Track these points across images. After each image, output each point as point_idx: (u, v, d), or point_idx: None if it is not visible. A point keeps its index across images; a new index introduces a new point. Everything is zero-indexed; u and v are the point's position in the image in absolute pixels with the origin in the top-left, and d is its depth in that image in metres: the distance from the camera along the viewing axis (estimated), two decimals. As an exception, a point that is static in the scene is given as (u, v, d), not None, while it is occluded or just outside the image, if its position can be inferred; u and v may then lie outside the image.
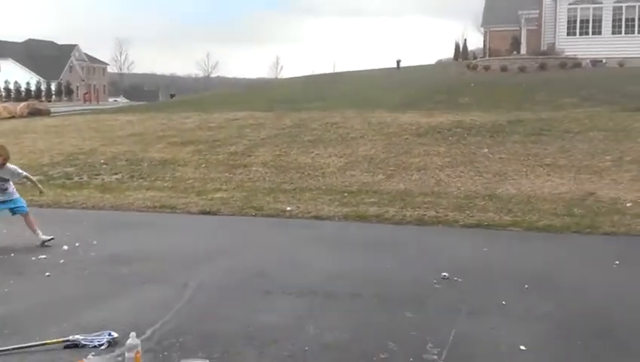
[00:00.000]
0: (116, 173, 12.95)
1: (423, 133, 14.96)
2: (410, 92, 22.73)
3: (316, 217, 9.03)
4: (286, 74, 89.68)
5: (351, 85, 26.95)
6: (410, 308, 5.06)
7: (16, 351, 4.19)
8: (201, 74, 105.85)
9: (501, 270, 6.31)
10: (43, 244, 7.35)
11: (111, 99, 79.79)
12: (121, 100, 75.68)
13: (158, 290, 5.64)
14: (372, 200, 10.04)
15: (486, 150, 13.31)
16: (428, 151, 13.41)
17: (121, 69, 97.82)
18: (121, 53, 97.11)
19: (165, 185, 11.80)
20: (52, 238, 7.44)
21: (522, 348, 4.28)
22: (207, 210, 9.54)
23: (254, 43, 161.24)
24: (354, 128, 15.84)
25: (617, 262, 6.53)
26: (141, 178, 12.48)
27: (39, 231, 7.48)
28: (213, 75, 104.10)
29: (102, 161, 14.03)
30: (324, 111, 18.61)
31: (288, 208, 9.47)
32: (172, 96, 47.82)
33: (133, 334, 3.88)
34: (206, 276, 6.03)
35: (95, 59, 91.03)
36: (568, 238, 7.83)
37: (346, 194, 10.55)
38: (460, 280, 5.87)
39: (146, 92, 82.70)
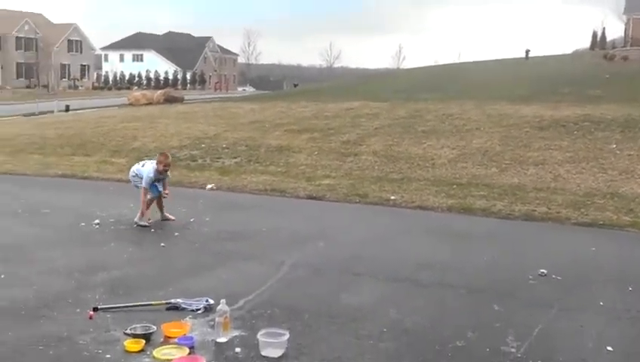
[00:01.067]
0: (235, 157, 13.64)
1: (546, 127, 14.33)
2: (537, 83, 21.77)
3: (420, 207, 9.02)
4: (408, 64, 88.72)
5: (474, 76, 26.27)
6: (499, 301, 4.98)
7: (125, 308, 4.67)
8: (324, 64, 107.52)
9: (606, 270, 6.00)
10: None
11: (240, 89, 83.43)
12: (249, 89, 78.86)
13: (257, 266, 5.99)
14: (481, 193, 9.83)
15: (614, 146, 12.52)
16: (549, 145, 12.84)
17: (249, 60, 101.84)
18: (249, 44, 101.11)
19: (279, 170, 12.28)
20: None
21: (609, 348, 4.09)
22: (314, 195, 9.84)
23: (378, 33, 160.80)
24: (471, 120, 15.49)
25: None
26: (257, 162, 13.06)
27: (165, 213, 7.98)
28: (336, 66, 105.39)
29: (224, 146, 14.82)
30: (441, 103, 18.35)
31: (392, 197, 9.53)
32: (295, 85, 49.13)
33: (223, 301, 4.19)
34: (302, 256, 6.29)
35: (226, 50, 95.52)
36: (693, 243, 7.24)
37: (454, 186, 10.41)
38: (558, 278, 5.66)
39: (272, 82, 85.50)
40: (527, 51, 34.09)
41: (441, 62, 49.54)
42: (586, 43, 35.61)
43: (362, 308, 4.79)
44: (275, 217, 8.51)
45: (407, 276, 5.68)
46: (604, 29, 35.10)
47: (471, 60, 40.51)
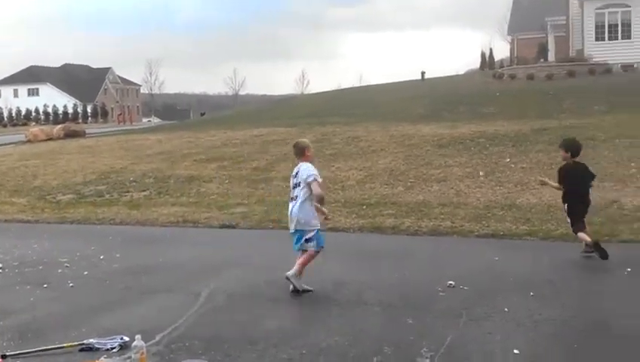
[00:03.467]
0: (144, 190, 13.36)
1: (445, 145, 15.03)
2: (433, 103, 22.81)
3: (332, 229, 9.16)
4: (312, 89, 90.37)
5: (376, 99, 27.15)
6: (412, 314, 5.21)
7: (36, 353, 4.49)
8: (230, 92, 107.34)
9: (509, 278, 6.39)
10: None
11: (145, 120, 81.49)
12: (155, 120, 77.25)
13: (172, 299, 5.93)
14: (390, 211, 10.18)
15: (508, 160, 13.32)
16: (449, 162, 13.48)
17: (151, 90, 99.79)
18: (151, 73, 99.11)
19: (190, 200, 12.15)
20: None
21: (516, 352, 4.38)
22: (227, 223, 9.83)
23: (282, 59, 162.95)
24: (375, 141, 16.00)
25: (629, 270, 6.55)
26: (167, 194, 12.85)
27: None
28: (242, 93, 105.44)
29: (131, 179, 14.48)
30: (347, 126, 18.84)
31: (307, 221, 9.67)
32: (202, 114, 48.78)
33: (138, 337, 4.14)
34: (219, 285, 6.28)
35: (128, 80, 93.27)
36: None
37: (364, 206, 10.71)
38: (465, 288, 5.99)
39: (178, 111, 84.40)
40: (423, 73, 35.73)
41: (344, 86, 50.82)
42: (476, 63, 37.69)
43: (281, 332, 4.86)
44: (189, 248, 8.42)
45: (322, 296, 5.81)
46: (491, 49, 37.22)
47: (372, 83, 41.87)
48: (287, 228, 9.26)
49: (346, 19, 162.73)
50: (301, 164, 6.17)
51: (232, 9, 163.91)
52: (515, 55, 37.89)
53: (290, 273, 5.91)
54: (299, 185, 6.04)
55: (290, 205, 6.13)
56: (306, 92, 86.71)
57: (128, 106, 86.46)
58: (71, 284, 6.51)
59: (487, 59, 35.70)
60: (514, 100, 21.85)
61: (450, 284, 6.05)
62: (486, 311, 5.35)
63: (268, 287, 6.18)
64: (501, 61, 38.30)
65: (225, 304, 5.71)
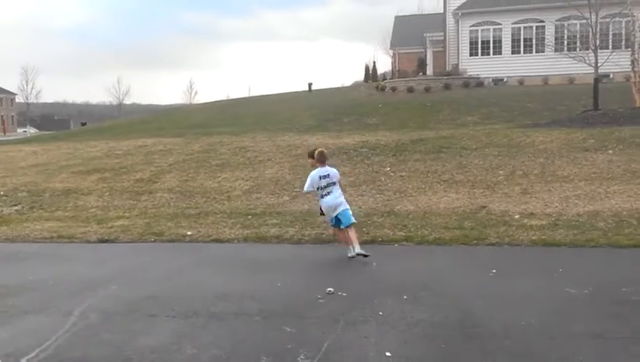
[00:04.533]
0: (16, 205, 12.56)
1: (330, 154, 15.28)
2: (319, 114, 23.27)
3: (216, 240, 9.14)
4: (201, 99, 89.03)
5: (264, 109, 27.26)
6: (291, 323, 5.28)
7: None
8: (114, 101, 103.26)
9: (385, 283, 6.65)
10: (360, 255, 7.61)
11: (20, 130, 76.46)
12: (30, 130, 72.66)
13: (41, 319, 5.61)
14: (274, 221, 10.25)
15: (388, 169, 13.84)
16: (333, 171, 13.78)
17: (27, 99, 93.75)
18: (27, 82, 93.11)
19: (66, 214, 11.57)
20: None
21: (387, 354, 4.58)
22: (106, 238, 9.46)
23: (168, 69, 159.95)
24: (262, 151, 16.07)
25: (494, 271, 7.01)
26: (42, 209, 12.16)
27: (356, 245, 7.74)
28: (127, 102, 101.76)
29: (1, 193, 13.56)
30: (234, 136, 18.77)
31: (189, 233, 9.53)
32: (83, 124, 46.53)
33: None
34: (93, 303, 6.03)
35: (2, 89, 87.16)
36: (455, 250, 8.30)
37: (249, 216, 10.71)
38: (344, 294, 6.15)
39: (57, 121, 80.00)
40: (310, 84, 36.39)
41: (232, 97, 50.54)
42: (361, 76, 38.93)
43: (158, 349, 4.75)
44: (63, 265, 8.00)
45: (203, 310, 5.74)
46: (374, 62, 38.71)
47: (260, 94, 41.99)
48: (169, 241, 9.20)
49: (236, 30, 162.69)
50: (327, 167, 8.10)
51: (118, 15, 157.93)
52: (397, 68, 39.55)
53: (357, 249, 7.64)
54: (333, 183, 8.02)
55: (329, 198, 7.97)
56: (194, 102, 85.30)
57: (1, 116, 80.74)
58: None
59: (370, 72, 36.97)
60: (395, 111, 22.79)
61: (330, 291, 6.20)
62: (363, 315, 5.53)
63: (147, 303, 6.02)
64: (384, 74, 39.82)
65: (99, 322, 5.49)
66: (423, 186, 12.39)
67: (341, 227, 7.95)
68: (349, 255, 7.78)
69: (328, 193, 7.96)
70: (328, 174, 8.01)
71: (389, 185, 12.55)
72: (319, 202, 8.14)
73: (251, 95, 52.41)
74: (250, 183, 13.14)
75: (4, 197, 13.21)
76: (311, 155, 8.45)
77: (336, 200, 7.99)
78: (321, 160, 8.06)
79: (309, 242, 8.91)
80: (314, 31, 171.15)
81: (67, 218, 11.27)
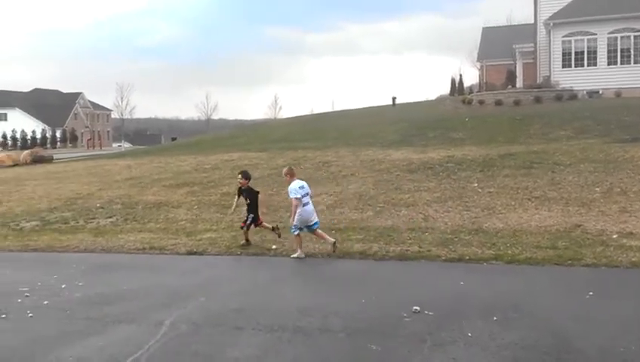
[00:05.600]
0: (111, 217, 13.16)
1: (414, 170, 15.16)
2: (404, 128, 23.05)
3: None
4: (285, 114, 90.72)
5: (348, 124, 27.33)
6: (376, 340, 5.19)
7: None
8: (202, 117, 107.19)
9: (474, 302, 6.42)
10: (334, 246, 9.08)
11: (115, 145, 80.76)
12: (125, 145, 76.53)
13: (134, 329, 5.81)
14: (358, 236, 10.19)
15: (476, 184, 13.47)
16: (418, 186, 13.58)
17: (122, 115, 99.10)
18: (122, 98, 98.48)
19: (158, 226, 12.00)
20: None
21: (478, 376, 4.39)
22: (195, 250, 9.72)
23: (254, 85, 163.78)
24: (345, 166, 16.08)
25: (591, 293, 6.63)
26: (135, 220, 12.68)
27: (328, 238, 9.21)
28: (214, 118, 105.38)
29: (98, 205, 14.27)
30: (318, 150, 18.91)
31: (274, 247, 9.64)
32: (173, 139, 48.51)
33: (95, 370, 4.04)
34: (183, 313, 6.19)
35: (99, 105, 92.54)
36: (548, 270, 7.93)
37: (333, 231, 10.68)
38: (430, 313, 5.99)
39: (149, 136, 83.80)
40: (394, 98, 36.12)
41: (316, 111, 51.10)
42: (446, 89, 38.32)
43: (244, 360, 4.78)
44: (154, 276, 8.29)
45: (289, 324, 5.75)
46: (461, 75, 37.84)
47: (344, 109, 42.20)
48: (254, 255, 9.34)
49: (320, 44, 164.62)
50: (300, 181, 9.36)
51: (206, 33, 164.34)
52: (485, 81, 38.61)
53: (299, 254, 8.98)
54: (308, 195, 9.25)
55: (309, 207, 9.22)
56: (278, 117, 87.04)
57: (98, 131, 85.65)
58: (30, 314, 6.35)
59: (457, 85, 36.28)
60: (482, 125, 22.21)
61: (416, 309, 6.05)
62: (450, 335, 5.36)
63: (234, 316, 6.11)
64: (470, 87, 38.96)
65: (188, 333, 5.61)
66: (513, 203, 11.96)
67: (313, 229, 9.20)
68: (298, 256, 8.93)
69: (307, 203, 9.16)
70: (304, 186, 9.22)
71: (477, 201, 12.19)
72: (299, 210, 9.01)
73: (335, 109, 52.81)
74: (333, 198, 13.16)
75: (101, 209, 13.88)
76: (244, 176, 10.12)
77: (313, 210, 9.31)
78: (292, 173, 9.42)
79: (393, 258, 8.77)
80: (398, 44, 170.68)
81: (158, 230, 11.69)
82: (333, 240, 9.20)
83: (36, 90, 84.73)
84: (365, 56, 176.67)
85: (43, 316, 6.34)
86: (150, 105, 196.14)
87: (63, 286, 7.59)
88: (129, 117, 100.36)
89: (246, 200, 10.04)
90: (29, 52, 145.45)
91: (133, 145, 73.63)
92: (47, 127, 74.66)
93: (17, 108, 77.60)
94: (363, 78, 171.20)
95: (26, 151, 30.98)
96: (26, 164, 27.10)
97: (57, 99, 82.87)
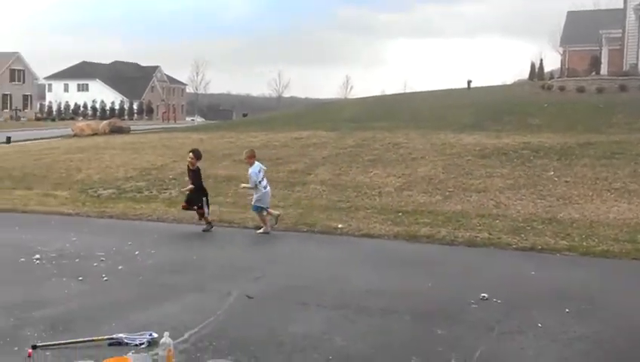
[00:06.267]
0: (183, 188, 13.49)
1: (487, 155, 14.76)
2: (478, 112, 22.43)
3: (367, 235, 9.15)
4: (356, 94, 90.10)
5: (419, 106, 26.89)
6: (442, 325, 5.10)
7: (65, 345, 4.56)
8: (273, 94, 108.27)
9: (545, 293, 6.22)
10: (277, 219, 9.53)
11: (188, 118, 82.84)
12: (198, 119, 78.36)
13: (202, 297, 5.96)
14: (426, 220, 10.04)
15: (552, 173, 12.99)
16: (490, 173, 13.23)
17: (197, 90, 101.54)
18: (197, 73, 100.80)
19: (227, 200, 12.23)
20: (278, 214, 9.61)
21: (547, 369, 4.25)
22: (261, 225, 9.84)
23: (326, 64, 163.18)
24: (416, 148, 15.84)
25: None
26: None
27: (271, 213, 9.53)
28: (285, 95, 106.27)
29: (171, 177, 14.68)
30: (388, 132, 18.70)
31: (340, 226, 9.64)
32: (244, 115, 49.20)
33: (166, 334, 4.16)
34: (249, 286, 6.29)
35: (174, 79, 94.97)
36: (626, 265, 7.60)
37: (400, 213, 10.60)
38: (499, 301, 5.84)
39: (221, 111, 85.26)
40: (469, 82, 35.17)
41: (388, 93, 50.55)
42: (525, 74, 36.92)
43: (309, 336, 4.82)
44: (222, 248, 8.48)
45: (353, 303, 5.75)
46: (541, 60, 36.34)
47: (416, 90, 41.54)
48: (321, 233, 9.38)
49: (393, 25, 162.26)
50: (260, 164, 9.76)
51: (280, 12, 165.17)
52: (567, 67, 37.02)
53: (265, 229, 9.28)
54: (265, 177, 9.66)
55: (268, 190, 9.63)
56: (349, 97, 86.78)
57: (173, 105, 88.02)
58: (105, 278, 6.62)
59: (536, 69, 34.90)
60: (562, 112, 21.32)
61: (484, 296, 5.92)
62: (519, 325, 5.21)
63: (298, 291, 6.16)
64: (551, 72, 37.42)
65: (253, 305, 5.71)
66: (591, 194, 11.47)
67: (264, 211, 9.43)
68: (264, 231, 9.21)
69: (266, 185, 9.57)
70: (262, 168, 9.63)
71: (552, 190, 11.76)
72: (261, 193, 9.34)
73: (407, 91, 52.12)
74: (402, 180, 13.01)
75: (173, 181, 14.28)
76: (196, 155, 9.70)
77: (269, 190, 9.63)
78: (253, 156, 9.73)
79: (462, 244, 8.60)
80: (474, 27, 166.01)
81: (228, 203, 11.91)
82: (277, 213, 9.62)
83: (116, 63, 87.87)
84: (440, 37, 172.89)
85: (117, 280, 6.60)
86: (223, 81, 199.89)
87: (137, 252, 7.87)
88: (203, 92, 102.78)
89: (192, 183, 9.64)
90: (110, 24, 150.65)
91: (205, 119, 75.28)
92: (125, 98, 77.40)
93: (98, 80, 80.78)
94: (436, 59, 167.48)
95: (105, 122, 32.21)
96: (104, 133, 28.18)
97: (136, 72, 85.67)
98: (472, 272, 7.16)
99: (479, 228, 9.45)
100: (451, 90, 34.94)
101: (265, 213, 9.45)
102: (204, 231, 9.41)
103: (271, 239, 9.06)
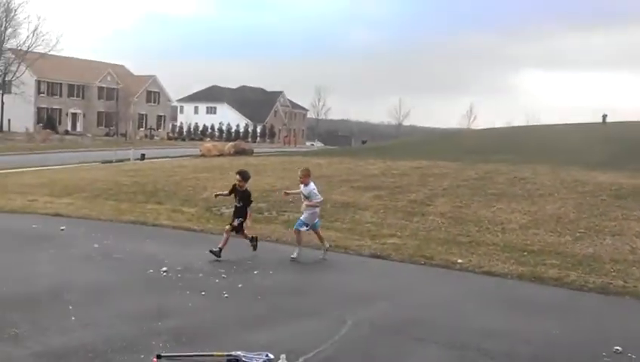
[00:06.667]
0: (300, 212, 13.70)
1: (624, 195, 13.74)
2: (614, 149, 21.05)
3: (488, 273, 8.74)
4: (479, 124, 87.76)
5: (548, 139, 25.73)
6: (572, 377, 4.71)
7: (187, 357, 4.70)
8: (393, 122, 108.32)
9: (692, 353, 5.57)
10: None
11: (308, 143, 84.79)
12: (317, 144, 79.98)
13: (318, 322, 5.94)
14: (554, 261, 9.43)
15: (699, 219, 11.82)
16: (627, 215, 12.27)
17: (318, 115, 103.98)
18: (319, 99, 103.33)
19: (344, 226, 12.25)
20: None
21: None
22: (379, 253, 9.73)
23: (448, 92, 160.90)
24: (544, 184, 15.08)
25: None
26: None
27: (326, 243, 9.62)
28: (405, 123, 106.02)
29: (289, 200, 14.97)
30: (513, 165, 18.00)
31: (459, 260, 9.29)
32: (364, 142, 49.58)
33: (282, 356, 4.18)
34: (365, 315, 6.20)
35: (297, 105, 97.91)
36: None
37: (525, 253, 10.04)
38: (633, 356, 5.31)
39: (340, 137, 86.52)
40: (604, 116, 33.23)
41: (514, 124, 48.84)
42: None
43: (425, 375, 4.63)
44: (338, 274, 8.45)
45: (472, 344, 5.47)
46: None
47: (545, 123, 39.78)
48: (438, 266, 9.10)
49: (522, 54, 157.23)
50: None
51: (402, 38, 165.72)
52: None
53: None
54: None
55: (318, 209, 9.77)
56: (472, 127, 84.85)
57: (294, 129, 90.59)
58: (226, 295, 6.80)
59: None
60: None
61: (617, 350, 5.42)
62: (660, 387, 4.69)
63: (414, 325, 5.98)
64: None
65: (369, 335, 5.60)
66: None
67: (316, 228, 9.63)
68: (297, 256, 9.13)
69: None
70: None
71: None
72: (314, 211, 9.49)
73: (534, 123, 50.11)
74: (527, 217, 12.38)
75: (292, 204, 14.53)
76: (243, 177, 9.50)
77: None
78: (309, 175, 9.69)
79: (593, 290, 7.96)
80: (606, 58, 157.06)
81: (344, 229, 11.92)
82: (328, 244, 9.66)
83: (243, 88, 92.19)
84: (572, 69, 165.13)
85: (237, 298, 6.76)
86: (344, 107, 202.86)
87: (255, 272, 8.04)
88: (323, 117, 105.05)
89: (238, 202, 9.47)
90: (235, 49, 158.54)
91: (324, 144, 76.70)
92: (249, 121, 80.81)
93: (225, 103, 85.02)
94: (568, 92, 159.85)
95: (230, 143, 33.79)
96: (229, 154, 29.53)
97: (260, 97, 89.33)
98: (604, 322, 6.61)
99: (613, 274, 8.72)
100: (583, 124, 33.15)
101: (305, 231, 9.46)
102: (253, 246, 9.53)
103: (387, 269, 8.91)
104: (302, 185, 9.72)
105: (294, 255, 9.22)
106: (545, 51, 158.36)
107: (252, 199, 9.76)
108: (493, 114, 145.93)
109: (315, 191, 9.60)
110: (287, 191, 10.84)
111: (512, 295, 7.66)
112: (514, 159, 19.46)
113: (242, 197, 9.49)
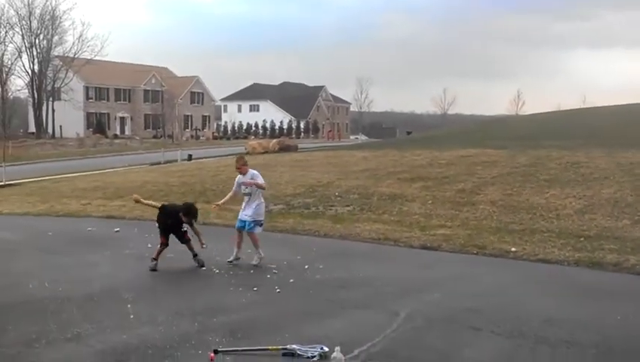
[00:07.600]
0: (348, 205, 13.69)
1: (681, 177, 13.22)
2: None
3: (543, 260, 8.54)
4: (528, 110, 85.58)
5: (601, 123, 24.94)
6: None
7: (243, 352, 4.76)
8: (438, 111, 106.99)
9: None
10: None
11: (352, 137, 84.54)
12: (361, 137, 79.68)
13: (371, 315, 5.92)
14: (612, 246, 9.15)
15: None
16: (686, 196, 11.80)
17: (361, 108, 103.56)
18: (361, 92, 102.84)
19: (392, 218, 12.16)
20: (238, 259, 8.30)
21: None
22: (428, 245, 9.63)
23: (494, 78, 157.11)
24: (598, 168, 14.63)
25: None
26: (370, 211, 13.01)
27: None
28: (450, 112, 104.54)
29: (336, 194, 14.95)
30: (565, 150, 17.52)
31: (513, 249, 9.11)
32: (408, 133, 49.15)
33: (337, 349, 4.17)
34: (418, 306, 6.14)
35: (339, 98, 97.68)
36: None
37: (581, 238, 9.77)
38: None
39: (384, 129, 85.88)
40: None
41: (564, 108, 47.54)
42: None
43: (483, 364, 4.55)
44: (389, 266, 8.40)
45: (531, 332, 5.35)
46: None
47: (597, 106, 38.58)
48: (491, 256, 8.94)
49: (569, 34, 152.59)
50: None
51: (444, 25, 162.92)
52: None
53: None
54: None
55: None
56: (520, 113, 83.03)
57: (338, 123, 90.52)
58: (278, 290, 6.85)
59: None
60: None
61: (686, 337, 5.20)
62: None
63: (470, 315, 5.88)
64: None
65: (423, 327, 5.54)
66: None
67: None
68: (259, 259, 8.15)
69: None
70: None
71: None
72: (261, 202, 8.60)
73: (586, 106, 48.69)
74: (582, 202, 12.03)
75: (339, 198, 14.53)
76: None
77: None
78: (245, 163, 8.76)
79: (655, 275, 7.69)
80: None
81: (392, 222, 11.83)
82: (263, 254, 8.21)
83: (284, 84, 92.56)
84: (624, 47, 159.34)
85: (289, 293, 6.80)
86: (387, 99, 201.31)
87: (306, 266, 8.07)
88: (366, 110, 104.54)
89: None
90: (277, 45, 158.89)
91: (369, 137, 76.36)
92: (292, 118, 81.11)
93: (268, 101, 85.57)
94: (621, 72, 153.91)
95: (275, 140, 34.00)
96: (274, 151, 29.69)
97: (302, 92, 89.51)
98: (670, 307, 6.35)
99: (676, 257, 8.40)
100: (636, 104, 32.02)
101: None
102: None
103: (438, 260, 8.81)
104: (240, 175, 8.60)
105: (256, 260, 8.18)
106: (594, 30, 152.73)
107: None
108: (542, 98, 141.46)
109: (258, 174, 8.61)
110: (217, 203, 9.20)
111: (570, 282, 7.46)
112: (566, 144, 18.92)
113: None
